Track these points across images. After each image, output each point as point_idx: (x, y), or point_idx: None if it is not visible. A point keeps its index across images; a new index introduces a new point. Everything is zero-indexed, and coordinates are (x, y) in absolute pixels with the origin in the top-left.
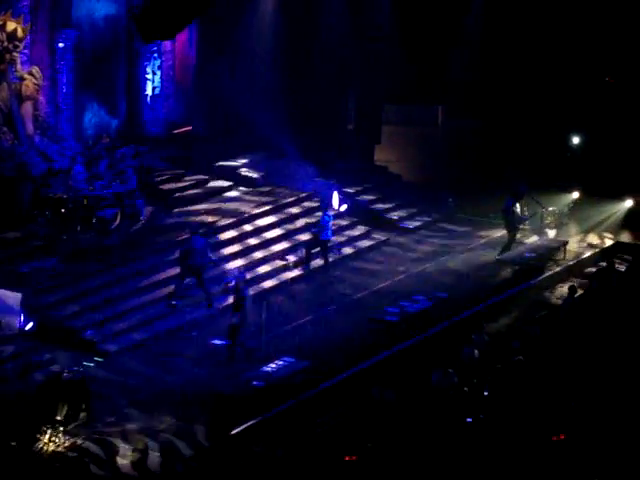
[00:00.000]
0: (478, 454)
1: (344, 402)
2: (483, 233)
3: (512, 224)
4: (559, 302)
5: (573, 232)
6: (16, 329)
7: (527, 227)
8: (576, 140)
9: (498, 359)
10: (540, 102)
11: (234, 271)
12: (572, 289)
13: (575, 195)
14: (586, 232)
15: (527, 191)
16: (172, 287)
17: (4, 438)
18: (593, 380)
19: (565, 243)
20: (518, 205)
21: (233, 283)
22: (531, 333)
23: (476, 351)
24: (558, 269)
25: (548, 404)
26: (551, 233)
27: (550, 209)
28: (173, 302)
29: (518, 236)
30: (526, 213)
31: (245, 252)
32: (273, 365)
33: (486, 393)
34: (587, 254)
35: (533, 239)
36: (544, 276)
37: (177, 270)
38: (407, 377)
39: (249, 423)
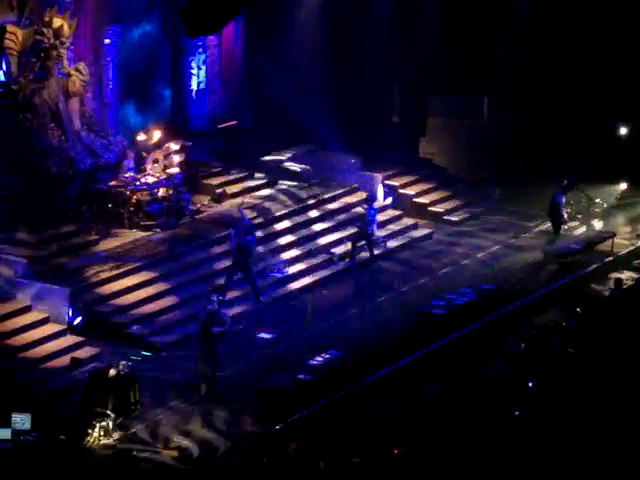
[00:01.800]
0: (525, 447)
1: (392, 394)
2: (530, 225)
3: (558, 218)
4: (606, 295)
5: (621, 224)
6: (65, 324)
7: (575, 219)
8: (624, 130)
9: (544, 352)
10: (588, 92)
11: (279, 266)
12: (618, 282)
13: (623, 186)
14: (634, 223)
15: (577, 185)
16: (220, 281)
17: (54, 432)
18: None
19: (612, 235)
20: (565, 199)
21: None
22: (574, 327)
23: (522, 344)
24: (605, 261)
25: (594, 398)
26: (598, 225)
27: (597, 200)
28: (220, 297)
29: (565, 227)
30: (573, 206)
31: (290, 246)
32: (320, 358)
33: (531, 385)
34: (635, 246)
35: (580, 231)
36: (591, 269)
37: (224, 264)
38: (456, 369)
39: (296, 416)
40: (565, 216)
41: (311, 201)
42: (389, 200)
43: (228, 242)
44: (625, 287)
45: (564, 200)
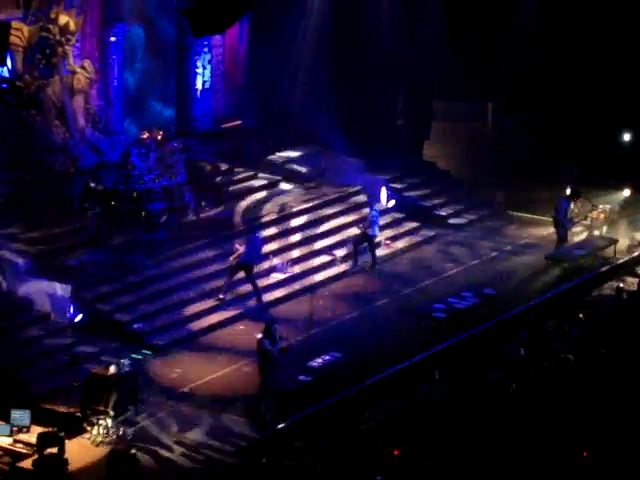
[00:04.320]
0: (524, 450)
1: (391, 397)
2: (532, 231)
3: (562, 225)
4: (607, 301)
5: (624, 230)
6: (65, 321)
7: (577, 225)
8: (627, 137)
9: (544, 357)
10: (592, 99)
11: (280, 265)
12: (619, 289)
13: (626, 193)
14: (637, 230)
15: (580, 192)
16: (221, 280)
17: (54, 429)
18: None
19: (615, 241)
20: (572, 205)
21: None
22: (574, 333)
23: (522, 349)
24: (608, 267)
25: (592, 404)
26: (601, 231)
27: (601, 207)
28: (221, 296)
29: (575, 231)
30: (576, 212)
31: (292, 246)
32: (320, 360)
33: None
34: (638, 253)
35: (583, 237)
36: (593, 275)
37: (225, 264)
38: (453, 374)
39: (294, 418)
40: (569, 224)
41: (314, 202)
42: (392, 202)
43: (236, 242)
44: (626, 294)
45: (568, 207)
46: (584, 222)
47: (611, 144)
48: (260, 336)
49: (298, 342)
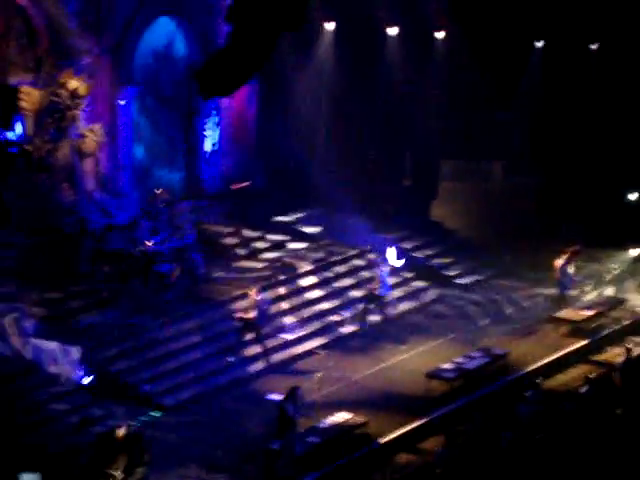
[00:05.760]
0: None
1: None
2: (540, 290)
3: (563, 284)
4: (615, 362)
5: (632, 290)
6: (75, 383)
7: (588, 284)
8: (634, 197)
9: (552, 417)
10: (596, 159)
11: (289, 326)
12: (629, 349)
13: (635, 252)
14: None
15: (581, 251)
16: (229, 342)
17: None
18: None
19: (623, 301)
20: (571, 265)
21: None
22: (583, 393)
23: (530, 408)
24: (616, 328)
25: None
26: (610, 291)
27: (611, 266)
28: (231, 358)
29: (574, 293)
30: (574, 272)
31: (300, 307)
32: (329, 421)
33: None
34: None
35: (591, 296)
36: (601, 335)
37: (234, 325)
38: (463, 433)
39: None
40: (569, 285)
41: (322, 262)
42: (401, 262)
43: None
44: (635, 354)
45: (567, 267)
46: (589, 282)
47: (618, 204)
48: (283, 400)
49: (308, 403)
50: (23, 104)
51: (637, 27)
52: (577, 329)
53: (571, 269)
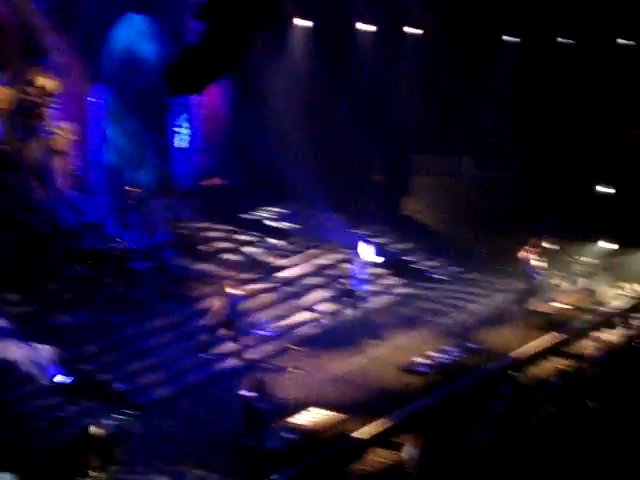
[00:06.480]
0: None
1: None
2: (511, 282)
3: (529, 276)
4: (588, 353)
5: (604, 282)
6: (48, 382)
7: (558, 276)
8: (605, 190)
9: (526, 411)
10: (569, 154)
11: (263, 322)
12: (600, 341)
13: (606, 245)
14: (617, 282)
15: (541, 243)
16: (202, 338)
17: None
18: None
19: (594, 292)
20: (537, 257)
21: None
22: (557, 385)
23: (502, 402)
24: (588, 320)
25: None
26: (581, 283)
27: (581, 259)
28: (203, 354)
29: (548, 285)
30: (542, 264)
31: (274, 303)
32: (304, 416)
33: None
34: (617, 304)
35: (563, 289)
36: (573, 326)
37: (207, 321)
38: (437, 430)
39: (277, 476)
40: (536, 277)
41: (295, 258)
42: (374, 257)
43: (214, 299)
44: (606, 347)
45: (532, 261)
46: (561, 274)
47: (590, 197)
48: (248, 393)
49: (280, 400)
50: None
51: (608, 23)
52: (549, 321)
53: (535, 261)
